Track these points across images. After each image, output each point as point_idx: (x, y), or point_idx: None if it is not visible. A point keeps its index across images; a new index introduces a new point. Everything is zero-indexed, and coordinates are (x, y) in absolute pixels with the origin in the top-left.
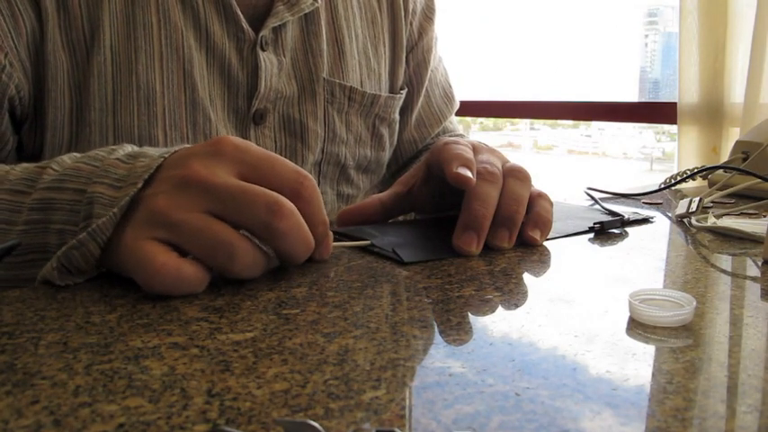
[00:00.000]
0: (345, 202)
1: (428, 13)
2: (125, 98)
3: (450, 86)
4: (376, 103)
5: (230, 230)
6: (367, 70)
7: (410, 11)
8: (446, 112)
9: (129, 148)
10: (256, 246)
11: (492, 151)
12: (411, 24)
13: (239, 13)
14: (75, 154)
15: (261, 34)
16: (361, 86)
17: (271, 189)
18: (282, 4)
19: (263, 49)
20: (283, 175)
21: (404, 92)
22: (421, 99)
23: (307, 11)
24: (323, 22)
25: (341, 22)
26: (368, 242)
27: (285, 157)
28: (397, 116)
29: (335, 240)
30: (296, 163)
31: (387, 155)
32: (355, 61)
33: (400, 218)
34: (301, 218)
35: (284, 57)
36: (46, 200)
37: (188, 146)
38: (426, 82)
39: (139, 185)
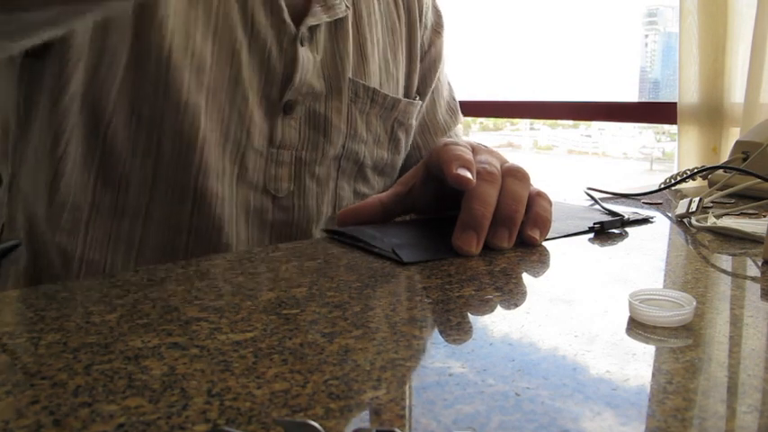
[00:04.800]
0: (361, 200)
1: (437, 29)
2: (180, 58)
3: (455, 101)
4: (396, 107)
5: None
6: (386, 74)
7: (423, 24)
8: (451, 124)
9: None
10: None
11: (491, 152)
12: (422, 37)
13: (283, 5)
14: None
15: (300, 30)
16: (381, 89)
17: None
18: (319, 6)
19: (302, 45)
20: None
21: (418, 99)
22: (425, 106)
23: (340, 15)
24: (349, 26)
25: (364, 27)
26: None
27: (307, 148)
28: (413, 122)
29: (334, 240)
30: (317, 155)
31: (401, 159)
32: (376, 65)
33: (397, 219)
34: None
35: (317, 54)
36: None
37: None
38: (430, 91)
39: None
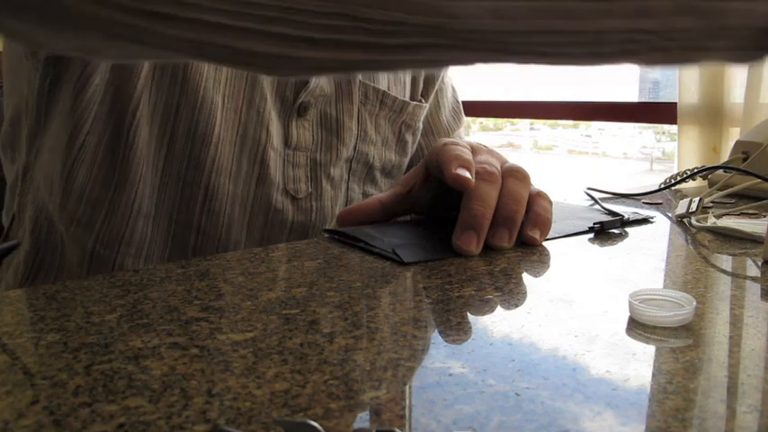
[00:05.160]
0: None
1: None
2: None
3: (459, 104)
4: (405, 110)
5: None
6: (393, 77)
7: None
8: (455, 126)
9: None
10: None
11: (490, 152)
12: None
13: None
14: None
15: None
16: (389, 91)
17: None
18: None
19: None
20: None
21: (424, 102)
22: (429, 107)
23: None
24: None
25: None
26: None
27: (321, 150)
28: (420, 125)
29: (334, 240)
30: (330, 156)
31: (407, 160)
32: None
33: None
34: None
35: None
36: None
37: None
38: (433, 92)
39: None
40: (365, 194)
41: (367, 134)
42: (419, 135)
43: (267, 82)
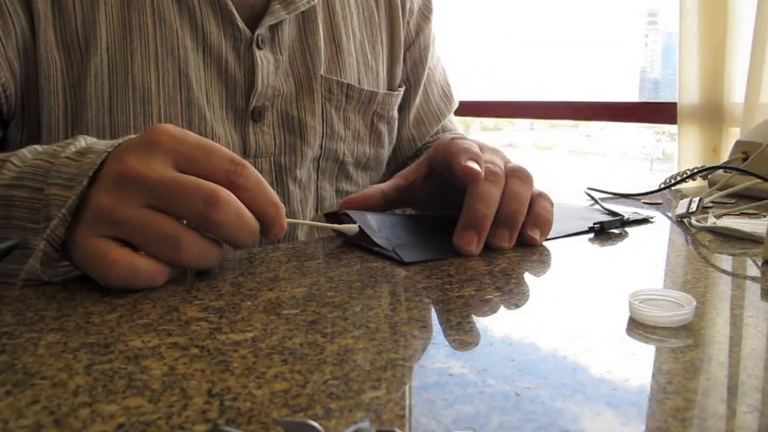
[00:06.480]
0: (344, 198)
1: (425, 12)
2: (121, 98)
3: (449, 85)
4: (374, 100)
5: (173, 222)
6: (365, 68)
7: (407, 10)
8: (445, 111)
9: (82, 141)
10: (204, 235)
11: (495, 151)
12: (408, 23)
13: (235, 12)
14: (35, 147)
15: (257, 33)
16: (359, 83)
17: (207, 179)
18: (278, 3)
19: (260, 48)
20: (218, 166)
21: (402, 89)
22: (419, 96)
23: (303, 9)
24: (320, 20)
25: (338, 20)
26: (355, 227)
27: (285, 153)
28: (395, 113)
29: (334, 239)
30: (295, 158)
31: (386, 152)
32: (353, 59)
33: (397, 210)
34: (241, 206)
35: (281, 55)
36: (6, 197)
37: (131, 137)
38: (423, 79)
39: (85, 183)
40: (339, 191)
41: (334, 131)
42: (395, 125)
43: (210, 97)
